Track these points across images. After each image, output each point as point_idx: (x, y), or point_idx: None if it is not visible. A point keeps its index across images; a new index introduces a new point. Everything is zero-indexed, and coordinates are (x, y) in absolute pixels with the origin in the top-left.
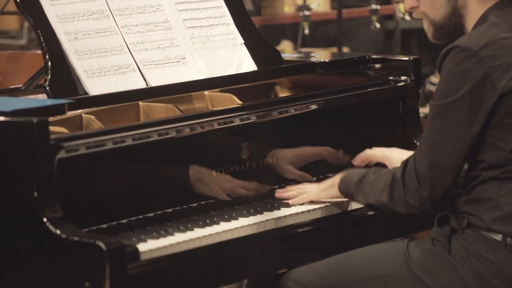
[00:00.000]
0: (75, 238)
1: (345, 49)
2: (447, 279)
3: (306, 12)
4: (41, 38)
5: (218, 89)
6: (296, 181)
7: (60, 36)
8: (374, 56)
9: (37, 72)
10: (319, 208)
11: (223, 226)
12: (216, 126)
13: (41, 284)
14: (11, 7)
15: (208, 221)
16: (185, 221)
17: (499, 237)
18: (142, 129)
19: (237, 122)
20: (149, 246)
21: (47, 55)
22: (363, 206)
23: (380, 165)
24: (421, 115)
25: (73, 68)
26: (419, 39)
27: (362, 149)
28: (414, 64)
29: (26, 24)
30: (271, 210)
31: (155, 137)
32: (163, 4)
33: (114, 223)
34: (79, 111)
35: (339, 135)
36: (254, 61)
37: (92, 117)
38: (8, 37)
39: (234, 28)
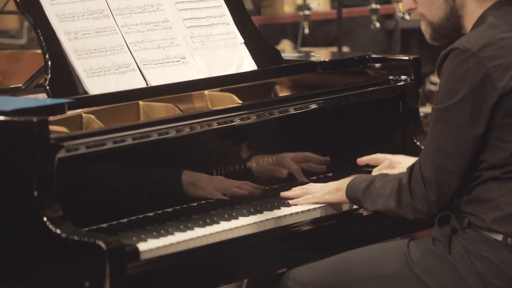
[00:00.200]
0: (75, 238)
1: (345, 49)
2: (448, 279)
3: (306, 12)
4: (41, 37)
5: (218, 89)
6: (296, 182)
7: (60, 35)
8: (374, 56)
9: (37, 72)
10: (319, 208)
11: (223, 225)
12: (216, 126)
13: (41, 283)
14: (11, 6)
15: (208, 220)
16: (185, 220)
17: (499, 237)
18: (142, 129)
19: (237, 121)
20: (149, 246)
21: (47, 54)
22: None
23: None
24: (421, 114)
25: (73, 68)
26: (419, 39)
27: (362, 148)
28: (414, 63)
29: (26, 24)
30: (271, 209)
31: (155, 137)
32: (163, 3)
33: (114, 222)
34: (79, 110)
35: (339, 135)
36: (254, 61)
37: (92, 116)
38: (8, 36)
39: (234, 28)
